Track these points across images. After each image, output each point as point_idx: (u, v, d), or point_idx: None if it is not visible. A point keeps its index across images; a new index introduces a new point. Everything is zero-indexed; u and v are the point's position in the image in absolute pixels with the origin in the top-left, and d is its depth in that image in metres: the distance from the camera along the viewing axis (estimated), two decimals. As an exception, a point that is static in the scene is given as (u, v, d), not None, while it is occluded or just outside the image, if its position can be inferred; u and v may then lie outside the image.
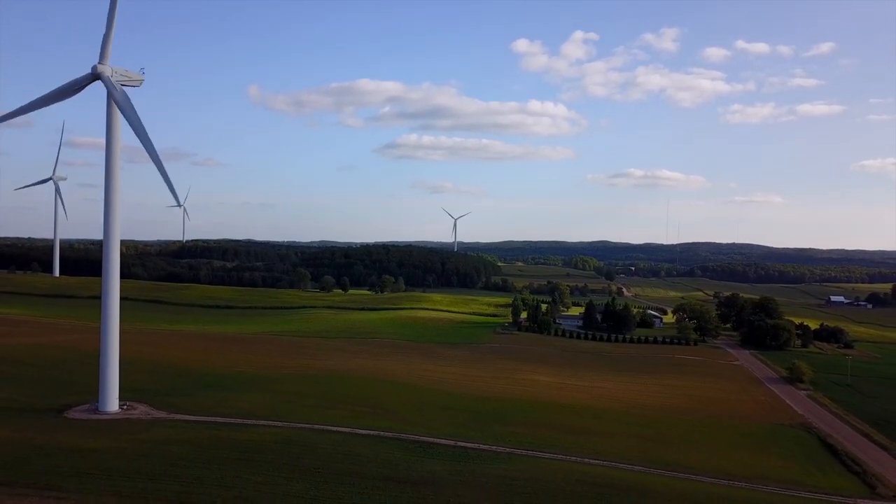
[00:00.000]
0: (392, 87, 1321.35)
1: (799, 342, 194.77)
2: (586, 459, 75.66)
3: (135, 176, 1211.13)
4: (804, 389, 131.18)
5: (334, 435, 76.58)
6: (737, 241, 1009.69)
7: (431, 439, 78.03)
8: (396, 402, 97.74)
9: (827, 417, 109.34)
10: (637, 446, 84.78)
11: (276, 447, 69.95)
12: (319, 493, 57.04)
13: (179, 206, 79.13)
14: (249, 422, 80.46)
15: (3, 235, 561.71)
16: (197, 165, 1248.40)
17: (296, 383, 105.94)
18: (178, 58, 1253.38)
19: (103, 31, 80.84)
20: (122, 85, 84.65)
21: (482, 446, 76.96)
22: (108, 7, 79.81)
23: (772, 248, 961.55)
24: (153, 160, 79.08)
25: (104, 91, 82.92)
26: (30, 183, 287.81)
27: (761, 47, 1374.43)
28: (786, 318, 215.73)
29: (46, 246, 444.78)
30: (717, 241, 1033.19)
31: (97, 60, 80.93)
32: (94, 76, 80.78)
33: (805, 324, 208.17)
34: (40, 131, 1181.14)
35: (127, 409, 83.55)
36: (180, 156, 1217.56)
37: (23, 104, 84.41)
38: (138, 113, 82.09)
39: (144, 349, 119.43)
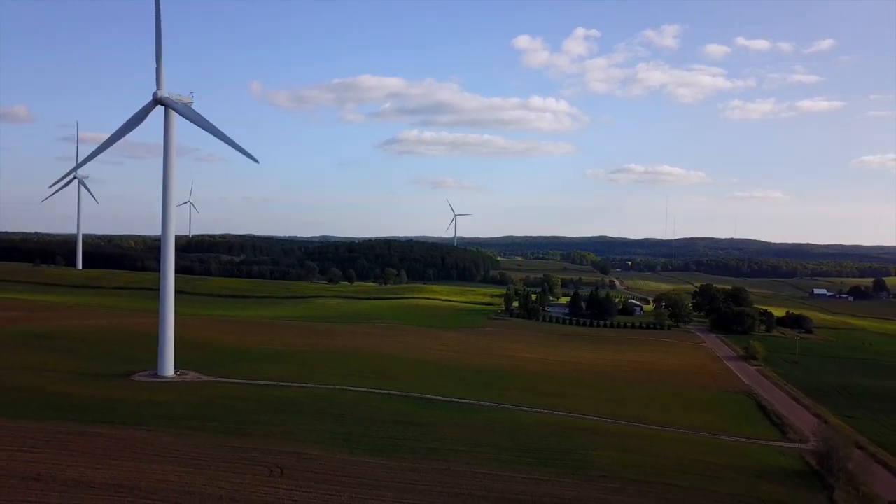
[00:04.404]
0: (393, 82, 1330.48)
1: (763, 327, 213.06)
2: (556, 412, 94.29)
3: (138, 172, 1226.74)
4: (756, 366, 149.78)
5: (352, 393, 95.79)
6: (735, 237, 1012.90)
7: (432, 397, 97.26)
8: (402, 372, 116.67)
9: (768, 386, 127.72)
10: (600, 405, 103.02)
11: (308, 401, 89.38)
12: (345, 429, 76.69)
13: (255, 160, 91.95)
14: (283, 384, 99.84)
15: (5, 230, 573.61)
16: (199, 161, 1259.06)
17: (315, 357, 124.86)
18: (180, 54, 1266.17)
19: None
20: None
21: (473, 402, 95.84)
22: (154, 42, 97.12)
23: (770, 243, 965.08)
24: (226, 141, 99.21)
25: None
26: (58, 183, 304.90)
27: (761, 44, 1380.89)
28: (759, 307, 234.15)
29: (57, 241, 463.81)
30: (716, 236, 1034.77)
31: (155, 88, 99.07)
32: (157, 102, 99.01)
33: (769, 311, 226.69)
34: (41, 127, 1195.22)
35: (181, 375, 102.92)
36: (183, 151, 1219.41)
37: (93, 148, 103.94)
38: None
39: (182, 331, 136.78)
